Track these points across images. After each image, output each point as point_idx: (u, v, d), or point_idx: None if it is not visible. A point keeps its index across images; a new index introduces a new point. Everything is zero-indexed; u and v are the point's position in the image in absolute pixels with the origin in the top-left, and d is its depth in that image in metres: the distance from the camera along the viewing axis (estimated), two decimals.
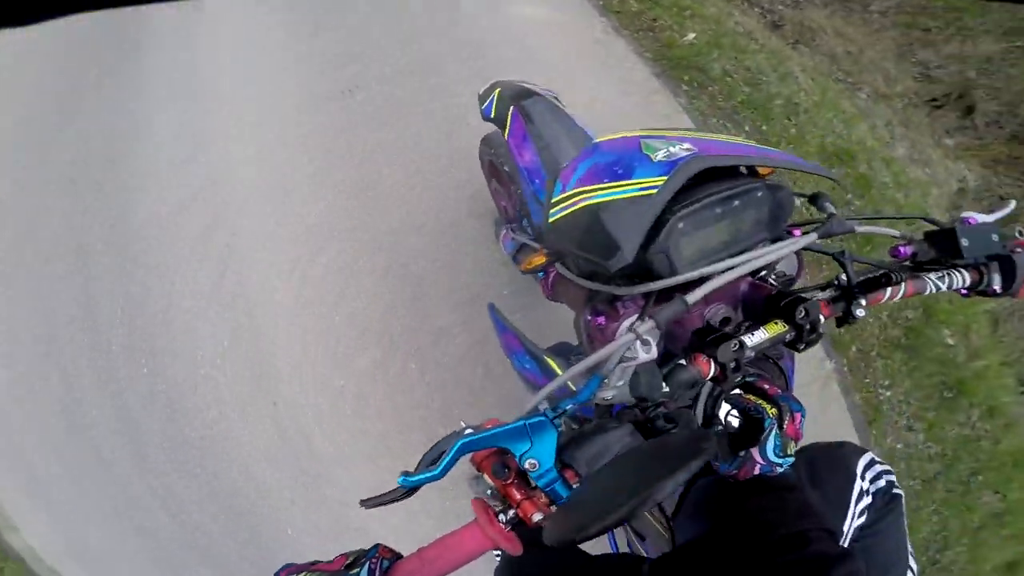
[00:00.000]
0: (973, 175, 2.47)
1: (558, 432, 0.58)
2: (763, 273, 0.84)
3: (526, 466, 0.57)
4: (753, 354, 0.69)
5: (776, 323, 0.71)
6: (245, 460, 2.27)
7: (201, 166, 2.33)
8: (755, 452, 0.69)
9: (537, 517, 0.56)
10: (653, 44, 2.26)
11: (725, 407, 0.73)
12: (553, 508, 0.57)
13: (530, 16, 2.32)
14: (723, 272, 0.71)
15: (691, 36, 2.20)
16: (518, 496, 0.57)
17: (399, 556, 0.58)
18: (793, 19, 2.18)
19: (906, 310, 2.37)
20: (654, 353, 0.68)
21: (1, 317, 2.42)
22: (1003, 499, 2.61)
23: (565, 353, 1.31)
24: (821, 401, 2.31)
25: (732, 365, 0.68)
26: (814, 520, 0.71)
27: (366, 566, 0.54)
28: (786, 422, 0.69)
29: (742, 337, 0.69)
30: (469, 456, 0.59)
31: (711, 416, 0.73)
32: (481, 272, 2.20)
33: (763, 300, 0.78)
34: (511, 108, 1.35)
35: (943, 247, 0.80)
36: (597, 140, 0.91)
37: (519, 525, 0.57)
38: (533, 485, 0.57)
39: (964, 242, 0.78)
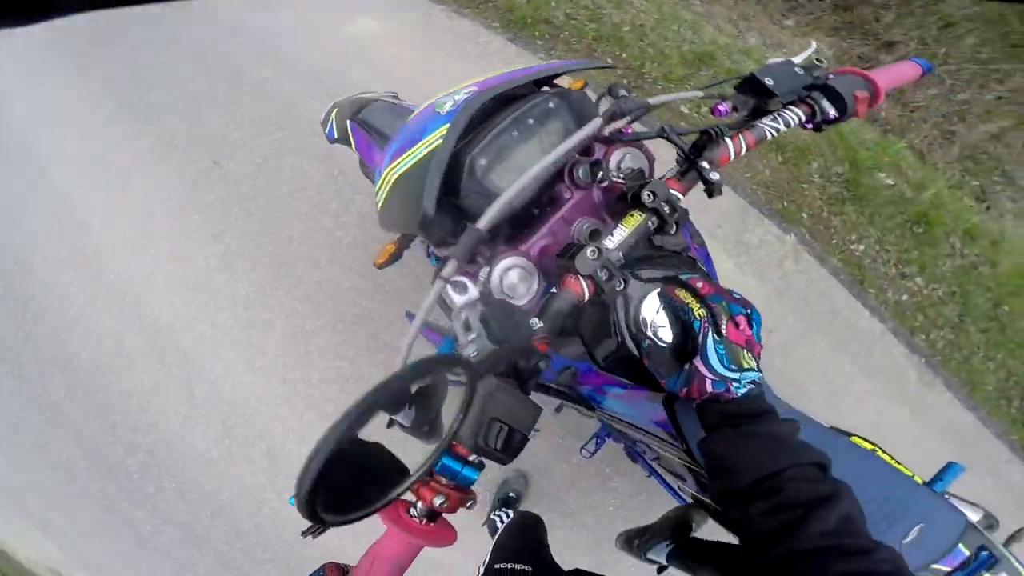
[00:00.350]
0: (826, 45, 2.65)
1: None
2: (612, 175, 0.81)
3: None
4: (621, 254, 0.67)
5: (633, 215, 0.70)
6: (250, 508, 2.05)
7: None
8: (698, 363, 0.65)
9: (438, 501, 0.55)
10: (496, 13, 2.40)
11: (651, 316, 0.71)
12: (449, 485, 0.56)
13: (368, 31, 2.42)
14: (517, 188, 0.70)
15: None
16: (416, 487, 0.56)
17: (347, 570, 0.58)
18: None
19: (834, 166, 2.40)
20: (472, 293, 0.69)
21: None
22: None
23: None
24: (801, 274, 2.24)
25: (604, 275, 0.65)
26: (791, 454, 0.59)
27: None
28: (724, 326, 0.65)
29: (601, 242, 0.67)
30: None
31: (637, 330, 0.72)
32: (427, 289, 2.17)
33: (618, 200, 0.77)
34: (348, 123, 1.38)
35: (756, 93, 0.82)
36: (406, 120, 0.93)
37: (432, 514, 0.56)
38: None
39: (768, 81, 0.81)
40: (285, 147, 2.34)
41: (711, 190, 0.75)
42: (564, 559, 1.10)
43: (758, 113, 0.84)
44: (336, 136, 1.44)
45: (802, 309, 2.24)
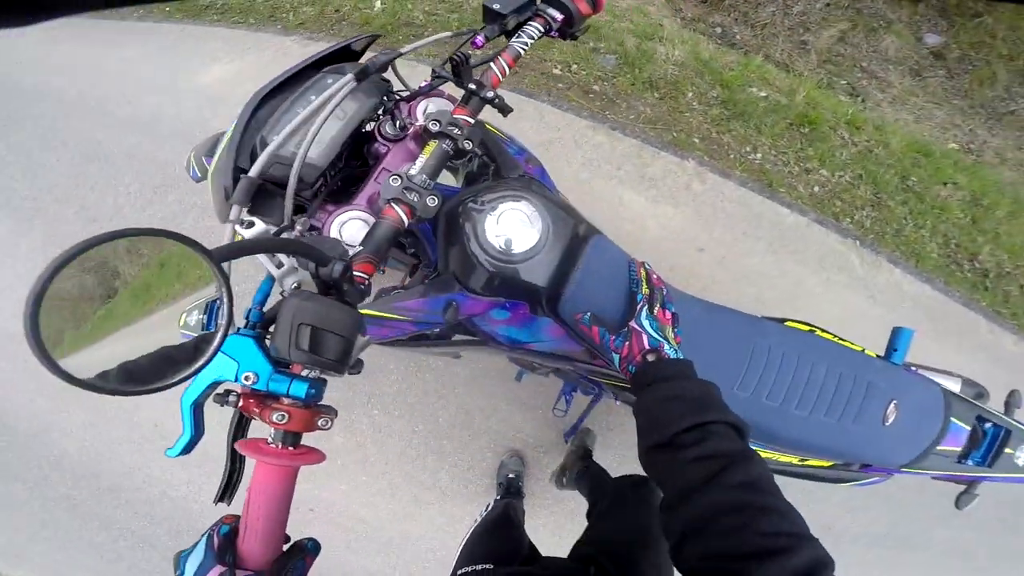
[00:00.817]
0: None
1: (254, 337, 0.62)
2: (408, 122, 0.93)
3: (247, 383, 0.59)
4: (425, 177, 0.76)
5: (429, 144, 0.80)
6: None
7: None
8: (634, 324, 0.80)
9: (275, 416, 0.58)
10: (353, 30, 2.44)
11: (493, 232, 0.84)
12: (286, 402, 0.60)
13: (222, 75, 2.41)
14: (281, 137, 0.80)
15: (379, 5, 2.42)
16: (256, 411, 0.60)
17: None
18: None
19: (708, 92, 2.47)
20: (259, 227, 0.79)
21: None
22: (956, 185, 2.52)
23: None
24: (711, 191, 2.22)
25: (415, 197, 0.74)
26: (716, 412, 0.66)
27: (206, 535, 0.57)
28: (656, 308, 0.82)
29: (404, 171, 0.76)
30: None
31: (482, 241, 0.85)
32: None
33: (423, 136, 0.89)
34: (204, 160, 1.43)
35: (493, 19, 0.91)
36: None
37: (286, 436, 0.59)
38: (267, 396, 0.61)
39: (496, 6, 0.89)
40: (186, 206, 2.23)
41: (500, 108, 0.88)
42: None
43: (508, 36, 0.93)
44: (199, 175, 1.44)
45: (725, 221, 2.20)
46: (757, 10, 2.70)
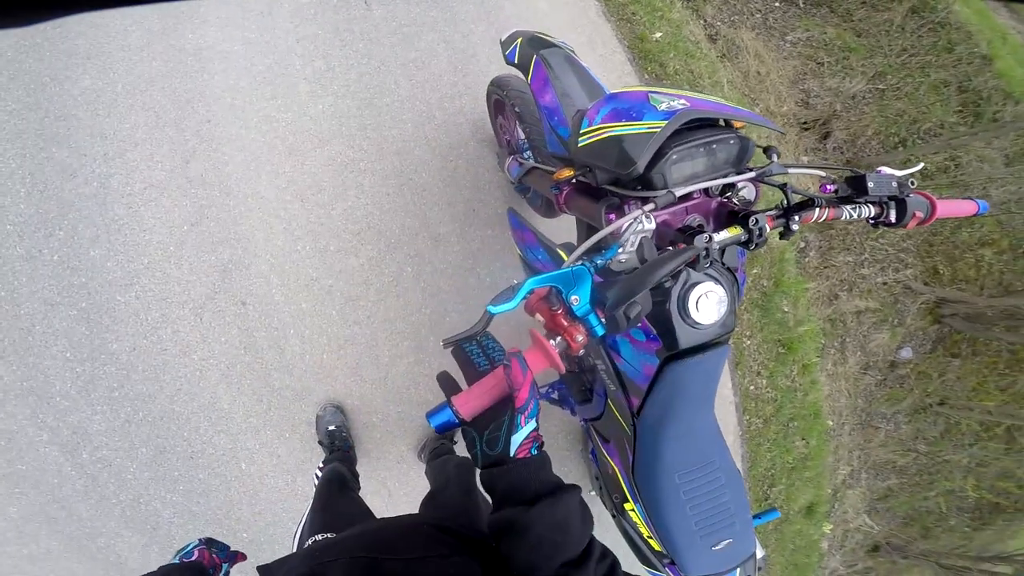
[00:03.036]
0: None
1: (592, 279, 0.82)
2: (728, 195, 1.15)
3: (571, 300, 0.80)
4: (719, 248, 0.97)
5: (735, 227, 1.00)
6: (194, 377, 2.01)
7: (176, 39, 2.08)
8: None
9: (579, 339, 0.79)
10: (630, 34, 2.71)
11: (693, 299, 1.05)
12: (586, 336, 0.81)
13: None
14: (697, 187, 1.05)
15: (659, 35, 2.71)
16: (565, 323, 0.80)
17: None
18: (727, 35, 2.81)
19: (762, 280, 3.15)
20: (654, 224, 0.98)
21: None
22: (807, 445, 3.52)
23: (570, 250, 1.55)
24: None
25: (704, 254, 0.93)
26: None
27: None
28: None
29: (711, 233, 0.97)
30: (525, 305, 0.82)
31: (686, 295, 1.06)
32: (479, 189, 2.35)
33: (727, 213, 1.13)
34: (534, 56, 1.55)
35: (857, 187, 1.08)
36: (614, 91, 1.25)
37: (563, 353, 0.80)
38: (574, 317, 0.81)
39: (871, 184, 1.06)
40: None
41: (786, 236, 1.08)
42: None
43: (845, 199, 1.10)
44: (516, 61, 1.63)
45: None
46: (839, 254, 3.40)
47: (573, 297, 0.80)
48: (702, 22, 2.85)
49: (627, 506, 1.47)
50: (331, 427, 2.00)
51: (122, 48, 2.00)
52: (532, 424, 0.72)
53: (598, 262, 0.87)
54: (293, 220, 2.13)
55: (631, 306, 0.80)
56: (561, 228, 2.26)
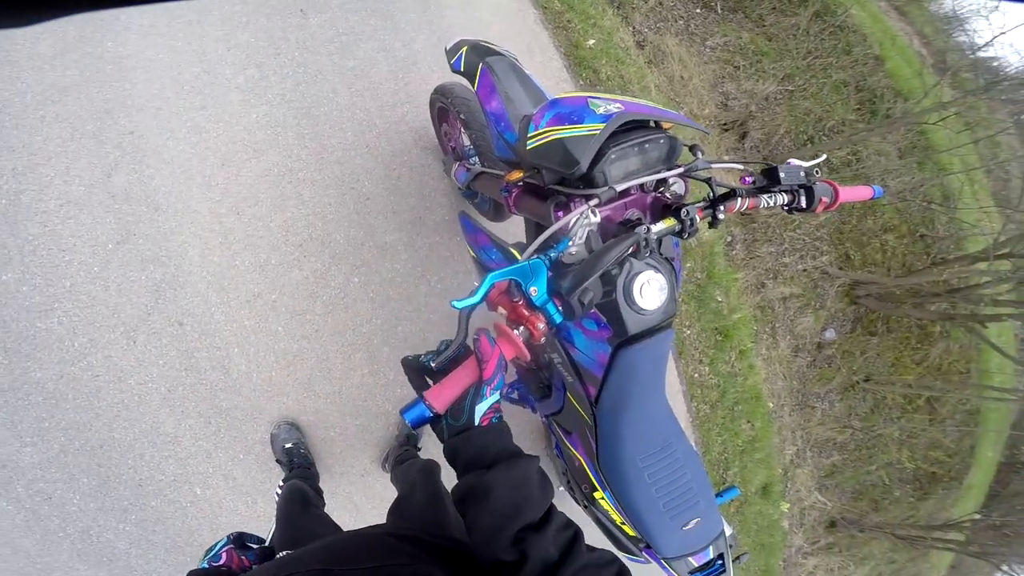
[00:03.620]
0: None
1: (548, 270, 0.89)
2: (661, 190, 1.25)
3: (530, 291, 0.86)
4: (656, 238, 1.05)
5: (669, 219, 1.10)
6: (132, 402, 1.88)
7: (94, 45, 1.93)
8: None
9: (540, 326, 0.85)
10: (566, 41, 2.78)
11: (638, 287, 1.15)
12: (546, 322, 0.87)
13: None
14: (635, 183, 1.15)
15: (592, 42, 2.79)
16: (527, 313, 0.86)
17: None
18: (653, 42, 2.94)
19: (696, 273, 3.31)
20: (599, 218, 1.04)
21: None
22: (752, 427, 3.72)
23: (522, 248, 1.60)
24: None
25: (644, 243, 1.02)
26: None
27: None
28: None
29: (649, 224, 1.06)
30: (486, 301, 0.85)
31: (630, 283, 1.15)
32: (424, 197, 2.34)
33: (662, 207, 1.25)
34: (480, 64, 1.59)
35: (771, 178, 1.20)
36: (556, 96, 1.32)
37: (530, 337, 0.86)
38: (533, 307, 0.87)
39: (782, 175, 1.18)
40: None
41: (714, 225, 1.18)
42: None
43: (762, 189, 1.22)
44: (462, 69, 1.66)
45: None
46: (762, 245, 3.64)
47: (532, 288, 0.86)
48: (631, 28, 2.98)
49: (596, 495, 1.51)
50: (287, 444, 1.95)
51: (31, 56, 1.84)
52: (495, 396, 0.77)
53: (551, 255, 0.92)
54: (229, 234, 2.03)
55: (584, 292, 0.90)
56: (508, 231, 2.28)
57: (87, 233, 1.85)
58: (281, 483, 1.77)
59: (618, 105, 1.16)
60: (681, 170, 1.18)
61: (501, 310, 0.90)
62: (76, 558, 1.81)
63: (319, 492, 1.74)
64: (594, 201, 1.08)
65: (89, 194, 1.86)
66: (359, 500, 2.15)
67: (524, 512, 0.68)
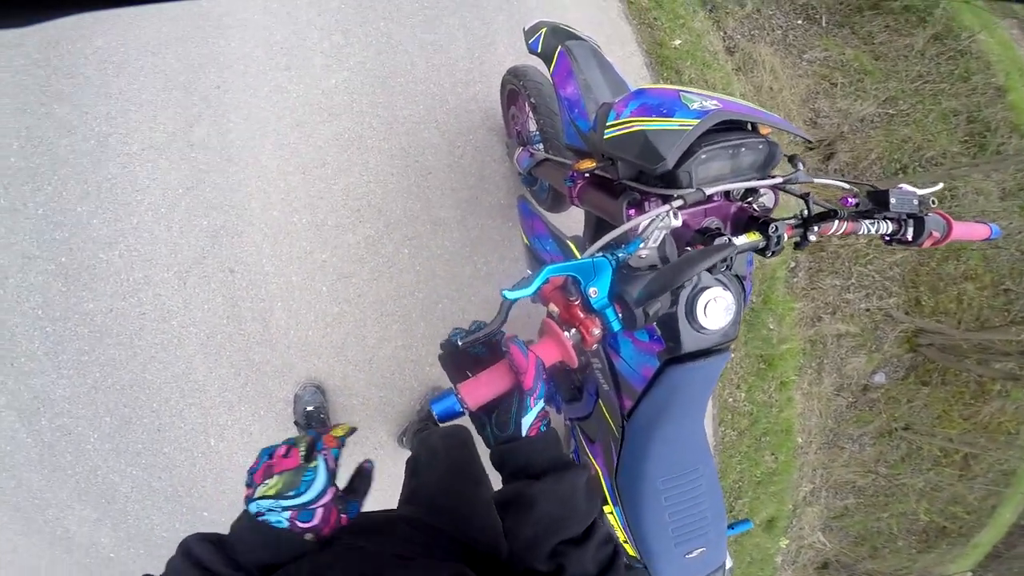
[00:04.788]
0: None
1: (613, 272, 0.80)
2: (749, 200, 1.13)
3: (590, 292, 0.78)
4: (737, 252, 0.93)
5: (754, 233, 0.96)
6: (170, 344, 1.97)
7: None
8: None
9: (595, 332, 0.77)
10: (649, 39, 2.69)
11: (702, 303, 1.02)
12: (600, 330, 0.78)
13: None
14: (725, 188, 1.03)
15: (678, 42, 2.69)
16: (581, 315, 0.78)
17: (343, 441, 0.72)
18: (745, 49, 2.80)
19: (752, 296, 3.20)
20: (680, 221, 0.95)
21: None
22: (775, 460, 3.62)
23: (580, 243, 1.58)
24: None
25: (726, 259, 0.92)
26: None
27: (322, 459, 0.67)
28: None
29: (730, 237, 0.95)
30: (531, 298, 0.77)
31: (695, 298, 1.03)
32: (484, 178, 2.36)
33: (747, 219, 1.11)
34: (559, 47, 1.54)
35: (878, 202, 1.07)
36: (643, 87, 1.24)
37: (577, 346, 0.77)
38: (590, 309, 0.79)
39: (893, 201, 1.04)
40: None
41: (801, 246, 1.05)
42: None
43: (864, 213, 1.08)
44: (540, 51, 1.62)
45: None
46: (826, 276, 3.46)
47: (592, 289, 0.78)
48: (722, 33, 2.84)
49: (606, 508, 1.48)
50: (309, 407, 1.97)
51: (138, 11, 1.96)
52: (540, 404, 0.72)
53: (619, 255, 0.84)
54: (292, 192, 2.11)
55: (651, 303, 0.80)
56: (565, 224, 2.27)
57: (162, 177, 1.96)
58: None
59: (715, 102, 1.06)
60: (779, 180, 1.08)
61: (552, 307, 0.83)
62: (76, 497, 1.88)
63: None
64: (678, 202, 0.98)
65: (170, 141, 1.97)
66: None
67: (567, 526, 0.66)
